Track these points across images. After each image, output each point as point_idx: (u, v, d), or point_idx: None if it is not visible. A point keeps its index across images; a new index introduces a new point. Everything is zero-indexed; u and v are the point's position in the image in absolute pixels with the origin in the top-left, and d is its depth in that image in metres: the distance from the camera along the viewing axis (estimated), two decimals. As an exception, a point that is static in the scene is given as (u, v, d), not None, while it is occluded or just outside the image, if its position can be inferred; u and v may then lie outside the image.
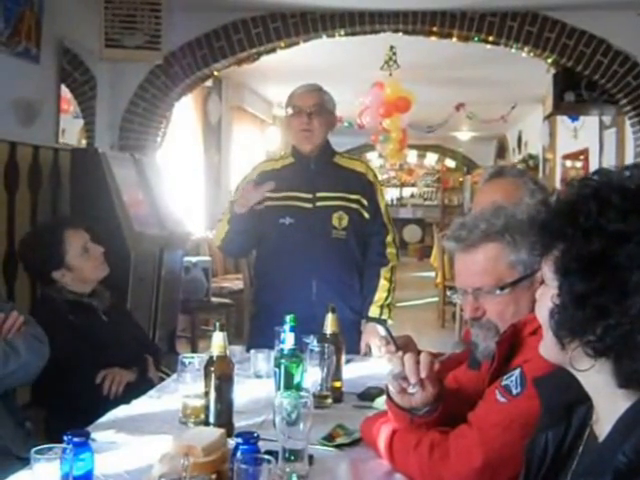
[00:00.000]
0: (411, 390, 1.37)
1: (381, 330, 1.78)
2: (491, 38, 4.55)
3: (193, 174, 6.49)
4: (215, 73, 4.92)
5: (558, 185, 8.08)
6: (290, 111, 2.58)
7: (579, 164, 7.51)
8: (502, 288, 1.41)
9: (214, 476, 1.23)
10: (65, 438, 1.23)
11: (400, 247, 2.50)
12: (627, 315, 0.87)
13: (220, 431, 1.39)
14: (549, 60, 4.75)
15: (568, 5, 4.36)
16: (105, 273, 2.45)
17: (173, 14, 4.14)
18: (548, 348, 0.97)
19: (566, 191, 0.97)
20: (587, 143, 6.99)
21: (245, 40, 4.50)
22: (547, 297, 0.95)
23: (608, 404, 0.94)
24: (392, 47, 5.64)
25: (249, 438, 1.23)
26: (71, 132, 4.15)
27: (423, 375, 1.34)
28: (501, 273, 1.41)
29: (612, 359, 0.90)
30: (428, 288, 8.62)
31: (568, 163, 7.85)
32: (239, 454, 1.19)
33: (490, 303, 1.43)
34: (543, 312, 0.96)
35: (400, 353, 1.39)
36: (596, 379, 0.93)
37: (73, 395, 2.19)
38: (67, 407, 2.17)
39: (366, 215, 2.58)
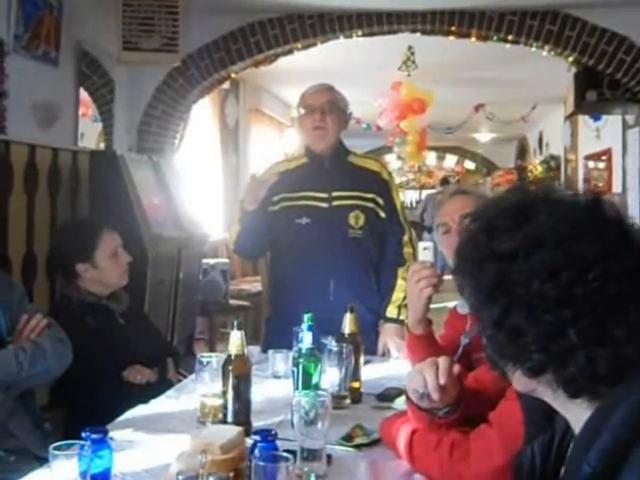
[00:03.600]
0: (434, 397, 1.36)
1: (427, 251, 1.75)
2: (511, 37, 4.50)
3: (211, 176, 6.50)
4: (232, 75, 4.94)
5: (581, 186, 7.99)
6: (302, 111, 2.57)
7: (602, 165, 7.41)
8: None
9: (232, 474, 1.22)
10: (84, 435, 1.23)
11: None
12: (539, 328, 0.87)
13: (238, 429, 1.38)
14: (570, 59, 4.70)
15: (589, 3, 4.30)
16: (124, 283, 2.48)
17: (190, 16, 4.15)
18: (516, 382, 0.97)
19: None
20: (610, 143, 6.90)
21: (262, 42, 4.50)
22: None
23: (574, 416, 0.93)
24: (410, 47, 5.63)
25: (267, 435, 1.22)
26: (90, 136, 4.19)
27: (442, 382, 1.33)
28: None
29: (551, 373, 0.89)
30: (447, 291, 8.54)
31: (591, 164, 7.76)
32: (257, 451, 1.18)
33: None
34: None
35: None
36: (551, 396, 0.93)
37: (90, 397, 2.19)
38: (85, 409, 2.17)
39: (382, 214, 2.57)
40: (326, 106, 2.52)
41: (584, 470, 0.85)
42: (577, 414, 0.92)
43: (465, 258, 0.96)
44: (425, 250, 1.78)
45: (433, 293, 1.77)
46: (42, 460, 1.44)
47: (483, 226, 0.94)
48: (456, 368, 1.36)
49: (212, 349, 4.98)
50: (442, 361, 1.35)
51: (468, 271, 0.95)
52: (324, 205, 2.52)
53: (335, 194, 2.53)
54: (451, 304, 1.99)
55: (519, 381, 0.94)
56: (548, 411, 0.99)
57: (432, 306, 1.80)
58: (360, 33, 4.56)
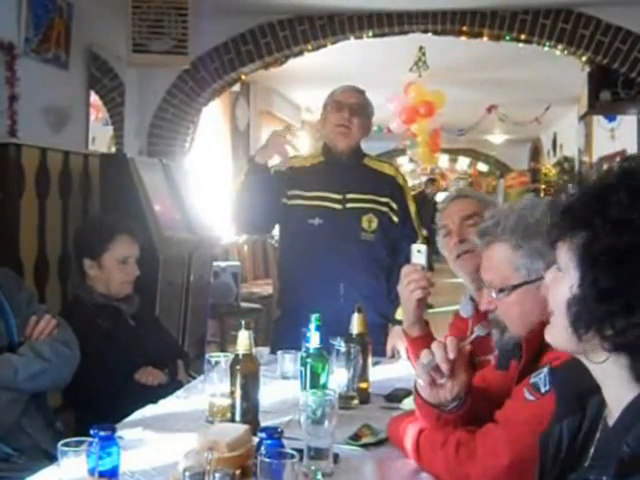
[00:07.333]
0: (441, 381, 1.34)
1: (420, 254, 1.75)
2: (523, 37, 4.47)
3: (221, 179, 6.51)
4: (243, 77, 4.94)
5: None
6: (329, 107, 2.55)
7: (616, 166, 7.34)
8: (502, 290, 1.43)
9: (238, 471, 1.22)
10: (92, 432, 1.24)
11: (433, 253, 2.49)
12: None
13: (245, 427, 1.38)
14: (583, 58, 4.66)
15: (602, 1, 4.26)
16: (125, 292, 2.45)
17: (200, 18, 4.16)
18: (559, 336, 0.95)
19: (593, 175, 0.94)
20: (625, 144, 6.82)
21: (272, 43, 4.51)
22: (564, 285, 0.92)
23: (616, 393, 0.92)
24: (421, 48, 5.61)
25: (273, 433, 1.21)
26: (101, 139, 4.21)
27: (451, 356, 1.32)
28: (506, 274, 1.43)
29: (629, 354, 0.88)
30: (462, 294, 8.50)
31: (605, 166, 7.67)
32: (263, 448, 1.18)
33: (497, 300, 1.44)
34: (558, 299, 0.93)
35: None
36: (609, 370, 0.91)
37: (101, 398, 2.19)
38: (96, 410, 2.16)
39: (395, 219, 2.55)
40: (355, 107, 2.50)
41: (622, 450, 0.85)
42: (621, 391, 0.91)
43: (595, 208, 0.88)
44: (418, 253, 1.78)
45: (423, 295, 1.77)
46: (53, 458, 1.44)
47: (627, 185, 0.87)
48: (467, 348, 1.36)
49: (223, 352, 4.98)
50: (449, 340, 1.35)
51: (595, 225, 0.87)
52: (338, 206, 2.51)
53: (349, 196, 2.51)
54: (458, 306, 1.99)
55: (589, 348, 0.90)
56: (582, 394, 0.98)
57: (440, 309, 1.80)
58: (371, 34, 4.54)
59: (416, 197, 10.95)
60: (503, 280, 1.43)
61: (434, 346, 1.33)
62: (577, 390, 0.99)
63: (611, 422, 0.94)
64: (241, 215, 2.51)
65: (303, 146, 9.03)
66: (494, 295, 1.44)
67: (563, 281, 0.93)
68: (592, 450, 0.96)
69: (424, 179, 11.53)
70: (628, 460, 0.84)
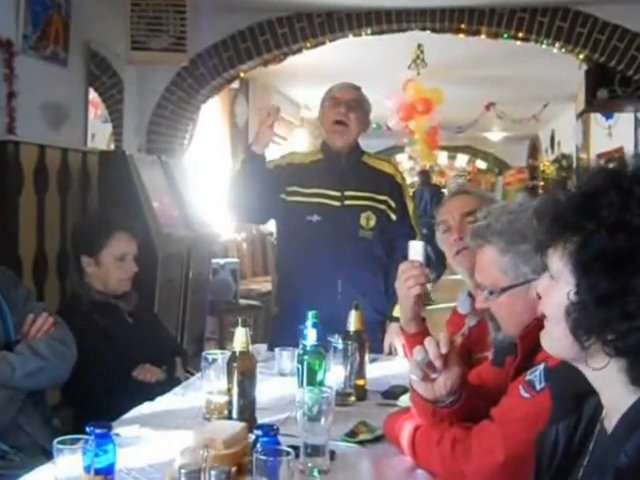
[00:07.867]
0: (434, 375, 1.35)
1: (417, 251, 1.76)
2: (521, 34, 4.48)
3: (220, 176, 6.50)
4: (241, 75, 4.94)
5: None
6: (326, 103, 2.56)
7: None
8: (491, 292, 1.44)
9: (234, 469, 1.22)
10: (87, 429, 1.24)
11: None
12: None
13: (241, 425, 1.38)
14: (581, 56, 4.66)
15: (600, -1, 4.27)
16: (123, 289, 2.44)
17: (198, 16, 4.16)
18: (558, 343, 0.93)
19: (579, 180, 0.91)
20: (622, 141, 6.83)
21: (271, 41, 4.51)
22: (559, 293, 0.90)
23: (614, 398, 0.91)
24: (420, 45, 5.61)
25: (269, 430, 1.21)
26: (101, 137, 4.21)
27: (444, 351, 1.33)
28: (495, 276, 1.44)
29: (630, 358, 0.87)
30: (461, 290, 8.51)
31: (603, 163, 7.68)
32: (259, 445, 1.18)
33: (489, 301, 1.46)
34: (554, 307, 0.92)
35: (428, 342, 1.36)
36: (608, 375, 0.90)
37: (99, 396, 2.19)
38: (93, 407, 2.16)
39: (393, 217, 2.56)
40: (352, 103, 2.52)
41: (620, 459, 0.83)
42: (619, 397, 0.90)
43: (586, 213, 0.86)
44: (415, 249, 1.79)
45: (421, 292, 1.78)
46: (51, 455, 1.45)
47: (617, 186, 0.85)
48: (458, 341, 1.36)
49: (222, 349, 4.98)
50: (442, 336, 1.36)
51: (587, 229, 0.85)
52: (336, 204, 2.52)
53: (348, 193, 2.52)
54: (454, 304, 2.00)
55: (590, 353, 0.89)
56: (578, 394, 0.97)
57: (439, 306, 1.81)
58: (369, 31, 4.54)
59: (431, 187, 10.96)
60: (492, 282, 1.44)
61: (427, 342, 1.34)
62: (573, 391, 0.98)
63: (608, 425, 0.93)
64: (235, 202, 2.50)
65: (302, 143, 9.03)
66: (485, 296, 1.46)
67: (558, 288, 0.91)
68: (587, 456, 0.95)
69: (416, 178, 11.59)
70: (626, 471, 0.83)
